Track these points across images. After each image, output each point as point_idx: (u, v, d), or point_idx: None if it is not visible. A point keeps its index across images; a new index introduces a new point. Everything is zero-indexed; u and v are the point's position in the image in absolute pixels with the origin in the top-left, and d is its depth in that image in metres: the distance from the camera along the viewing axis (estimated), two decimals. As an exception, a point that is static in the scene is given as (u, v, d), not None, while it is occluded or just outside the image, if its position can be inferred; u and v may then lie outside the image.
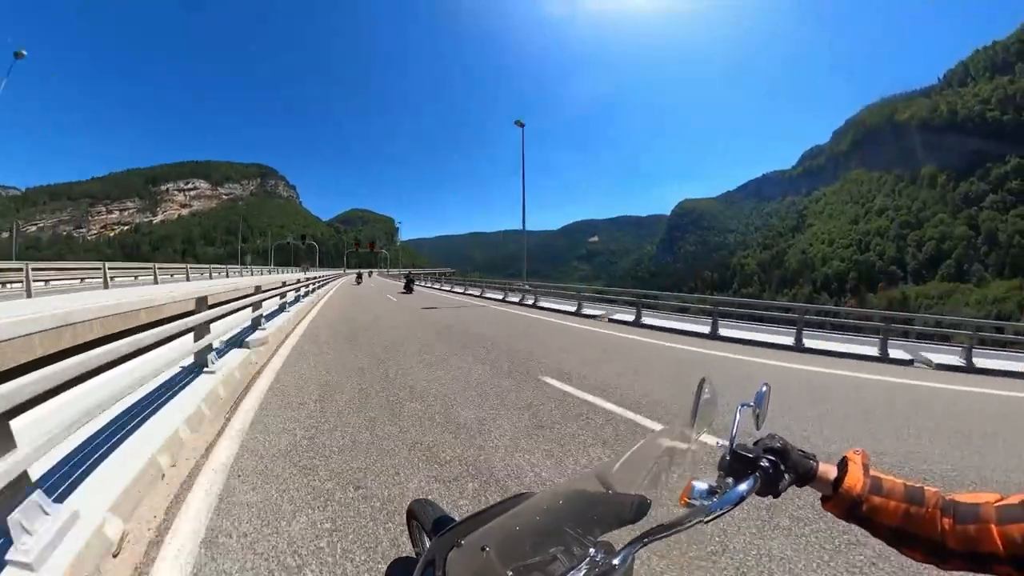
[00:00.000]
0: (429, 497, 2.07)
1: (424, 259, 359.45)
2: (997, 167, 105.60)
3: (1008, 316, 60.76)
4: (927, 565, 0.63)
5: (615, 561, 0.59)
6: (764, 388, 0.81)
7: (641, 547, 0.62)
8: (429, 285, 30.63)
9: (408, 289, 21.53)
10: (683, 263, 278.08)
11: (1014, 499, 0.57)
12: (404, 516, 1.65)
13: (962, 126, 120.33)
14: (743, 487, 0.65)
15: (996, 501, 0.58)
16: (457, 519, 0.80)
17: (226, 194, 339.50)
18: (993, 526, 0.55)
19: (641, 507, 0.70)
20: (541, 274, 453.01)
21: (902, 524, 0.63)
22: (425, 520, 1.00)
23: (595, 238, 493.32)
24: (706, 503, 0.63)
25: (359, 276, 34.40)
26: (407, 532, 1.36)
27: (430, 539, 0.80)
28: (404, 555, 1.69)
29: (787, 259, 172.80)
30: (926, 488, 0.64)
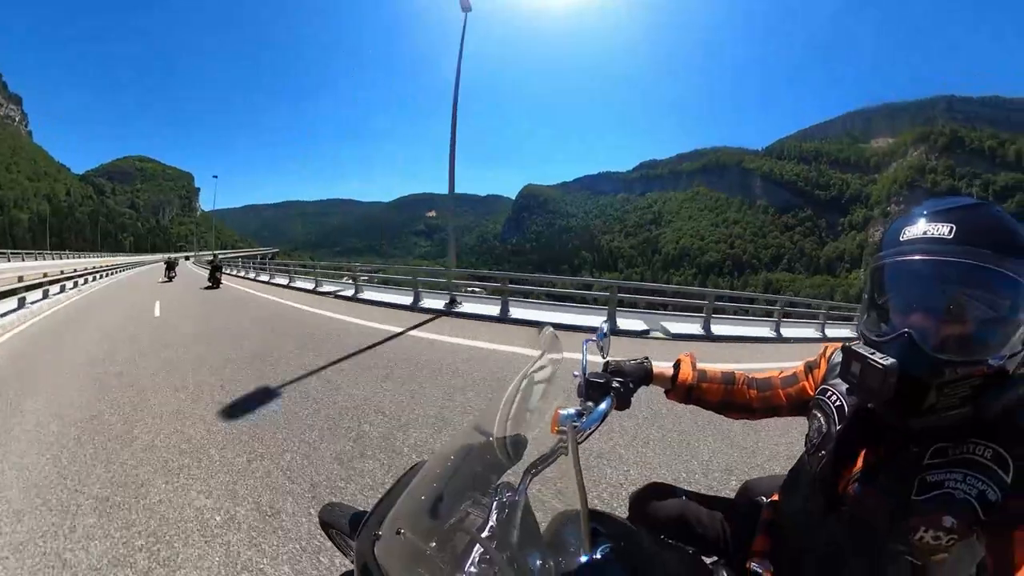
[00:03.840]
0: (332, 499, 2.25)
1: (230, 233, 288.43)
2: (801, 211, 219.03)
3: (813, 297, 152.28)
4: (740, 420, 1.12)
5: (517, 497, 0.74)
6: (604, 325, 1.11)
7: (532, 479, 0.77)
8: (254, 276, 22.43)
9: (214, 282, 16.69)
10: (535, 242, 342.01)
11: (789, 371, 1.06)
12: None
13: (784, 183, 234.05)
14: (603, 406, 0.87)
15: (779, 374, 1.08)
16: (368, 510, 0.87)
17: None
18: (780, 390, 1.05)
19: (520, 444, 0.87)
20: (377, 251, 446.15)
21: (723, 398, 1.09)
22: (340, 524, 1.09)
23: (433, 213, 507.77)
24: (576, 425, 0.81)
25: (170, 267, 22.34)
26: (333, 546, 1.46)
27: (353, 540, 0.88)
28: (345, 571, 1.79)
29: (661, 246, 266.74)
30: (735, 372, 1.12)
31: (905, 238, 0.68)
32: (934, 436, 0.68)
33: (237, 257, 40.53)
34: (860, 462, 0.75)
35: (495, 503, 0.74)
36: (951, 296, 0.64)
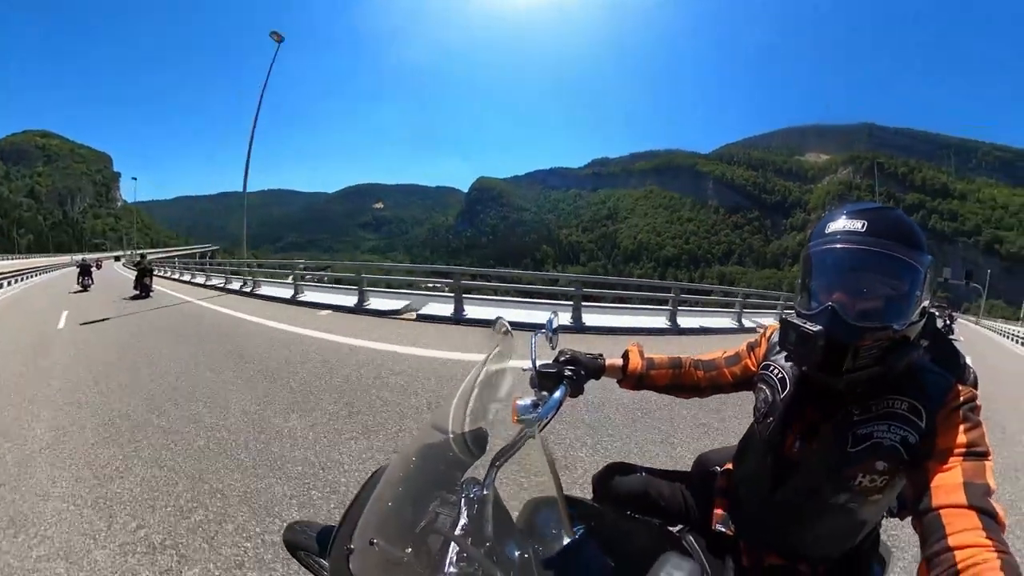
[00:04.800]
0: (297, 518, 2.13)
1: (160, 229, 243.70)
2: (749, 212, 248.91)
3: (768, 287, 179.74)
4: (691, 400, 1.29)
5: (485, 491, 0.75)
6: (553, 316, 1.16)
7: (497, 471, 0.79)
8: (189, 277, 19.71)
9: (142, 289, 13.53)
10: (491, 236, 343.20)
11: (731, 351, 1.22)
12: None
13: (734, 187, 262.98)
14: (557, 394, 0.91)
15: (722, 354, 1.23)
16: (335, 524, 0.83)
17: None
18: (725, 369, 1.20)
19: (482, 439, 0.89)
20: (320, 245, 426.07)
21: (672, 382, 1.23)
22: (308, 544, 1.06)
23: (380, 204, 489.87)
24: (533, 415, 0.84)
25: (84, 272, 17.17)
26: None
27: (325, 558, 0.87)
28: None
29: (620, 241, 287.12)
30: (681, 356, 1.26)
31: (828, 231, 0.85)
32: (859, 397, 0.86)
33: (172, 256, 34.22)
34: (802, 425, 0.94)
35: (464, 499, 0.74)
36: (863, 276, 0.82)
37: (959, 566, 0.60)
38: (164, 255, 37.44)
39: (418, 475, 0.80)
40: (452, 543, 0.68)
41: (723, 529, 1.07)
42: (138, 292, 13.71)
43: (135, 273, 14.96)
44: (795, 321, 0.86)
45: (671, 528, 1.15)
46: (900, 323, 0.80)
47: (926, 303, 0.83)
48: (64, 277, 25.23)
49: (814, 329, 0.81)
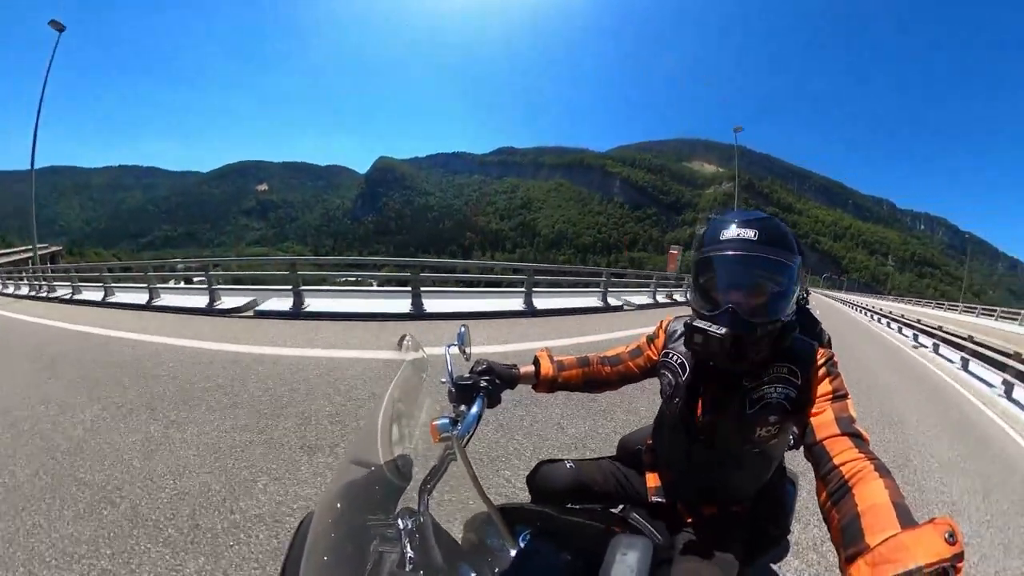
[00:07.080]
0: None
1: None
2: (647, 209, 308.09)
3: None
4: (604, 393, 1.39)
5: (422, 519, 0.75)
6: (463, 328, 1.20)
7: (429, 495, 0.80)
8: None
9: None
10: (398, 221, 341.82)
11: (633, 345, 1.35)
12: None
13: (637, 187, 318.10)
14: (475, 408, 0.92)
15: (625, 349, 1.34)
16: None
17: None
18: (630, 362, 1.32)
19: (407, 464, 0.88)
20: (199, 238, 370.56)
21: (584, 380, 1.32)
22: None
23: (265, 186, 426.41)
24: (455, 432, 0.83)
25: None
26: None
27: None
28: None
29: (539, 230, 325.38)
30: (588, 355, 1.35)
31: (724, 237, 0.97)
32: (750, 370, 1.03)
33: None
34: (705, 399, 1.10)
35: (403, 532, 0.72)
36: (757, 278, 0.96)
37: (846, 476, 0.77)
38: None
39: (349, 517, 0.74)
40: None
41: (660, 499, 1.21)
42: None
43: None
44: (700, 325, 0.97)
45: (613, 510, 1.23)
46: (784, 315, 0.98)
47: (799, 294, 1.03)
48: None
49: (720, 332, 0.94)
